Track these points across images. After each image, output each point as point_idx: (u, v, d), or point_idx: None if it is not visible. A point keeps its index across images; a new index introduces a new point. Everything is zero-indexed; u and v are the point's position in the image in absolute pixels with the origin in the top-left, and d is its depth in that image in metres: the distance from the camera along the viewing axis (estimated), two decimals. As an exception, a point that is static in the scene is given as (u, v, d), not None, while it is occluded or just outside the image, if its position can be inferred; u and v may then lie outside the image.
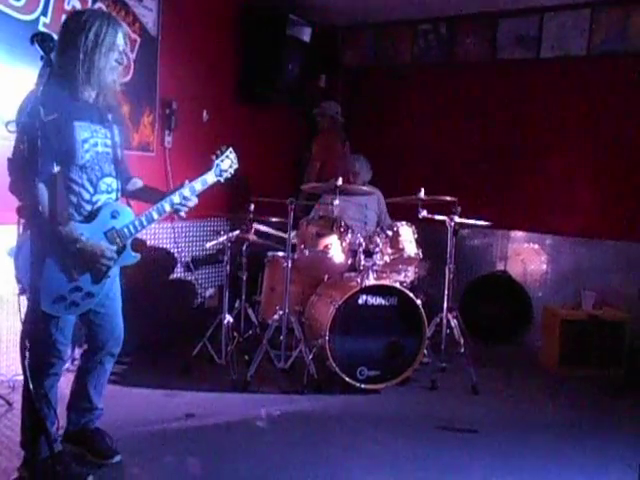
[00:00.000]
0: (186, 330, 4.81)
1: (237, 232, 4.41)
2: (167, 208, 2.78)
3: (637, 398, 4.24)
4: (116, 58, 2.62)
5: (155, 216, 2.75)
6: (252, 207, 4.44)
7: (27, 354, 1.93)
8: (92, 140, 2.62)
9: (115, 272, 2.80)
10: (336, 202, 4.24)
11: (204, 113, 5.20)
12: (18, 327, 3.94)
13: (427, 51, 6.08)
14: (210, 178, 2.90)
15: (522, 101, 5.63)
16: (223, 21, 5.36)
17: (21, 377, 3.71)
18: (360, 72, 6.46)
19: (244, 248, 4.55)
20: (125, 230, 2.69)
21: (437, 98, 6.04)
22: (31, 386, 1.89)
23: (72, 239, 2.50)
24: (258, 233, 4.53)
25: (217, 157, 2.93)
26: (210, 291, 5.40)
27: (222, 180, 2.95)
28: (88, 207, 2.63)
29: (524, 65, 5.60)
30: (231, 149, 2.99)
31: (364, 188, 4.70)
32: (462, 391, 4.22)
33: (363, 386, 4.06)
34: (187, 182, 2.83)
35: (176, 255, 5.05)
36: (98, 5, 4.15)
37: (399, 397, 4.09)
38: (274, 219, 4.55)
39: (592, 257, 5.30)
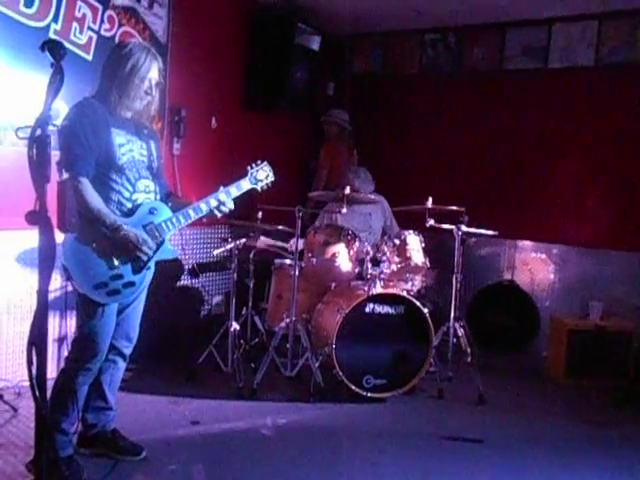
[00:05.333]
0: (192, 337, 4.82)
1: (244, 239, 4.42)
2: (203, 208, 2.93)
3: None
4: (145, 89, 2.80)
5: (192, 214, 2.91)
6: (260, 215, 4.44)
7: (34, 360, 1.93)
8: (128, 146, 2.78)
9: (152, 267, 2.90)
10: (344, 210, 4.23)
11: (213, 120, 5.22)
12: (25, 332, 3.97)
13: (435, 61, 6.09)
14: (245, 184, 3.09)
15: (530, 111, 5.62)
16: (232, 29, 5.38)
17: (27, 382, 3.72)
18: (368, 80, 6.47)
19: (251, 255, 4.56)
20: (163, 225, 2.84)
21: (445, 107, 6.04)
22: (37, 393, 1.88)
23: (116, 226, 2.67)
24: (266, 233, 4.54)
25: (252, 167, 3.13)
26: (217, 298, 5.41)
27: (259, 189, 3.15)
28: (128, 204, 2.78)
29: (532, 75, 5.61)
30: (267, 162, 3.18)
31: (370, 196, 4.69)
32: (469, 400, 4.20)
33: (369, 395, 4.04)
34: (222, 187, 3.00)
35: (183, 262, 5.06)
36: (109, 13, 4.19)
37: (405, 406, 4.08)
38: (281, 227, 4.56)
39: (600, 267, 5.27)
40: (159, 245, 2.84)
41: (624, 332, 4.72)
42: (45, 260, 1.89)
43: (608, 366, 4.67)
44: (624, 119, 5.20)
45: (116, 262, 2.71)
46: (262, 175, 3.15)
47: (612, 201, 5.26)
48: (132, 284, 2.79)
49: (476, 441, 3.55)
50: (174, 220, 2.87)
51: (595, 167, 5.34)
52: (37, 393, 1.81)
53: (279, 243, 4.67)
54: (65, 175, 2.57)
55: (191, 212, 2.90)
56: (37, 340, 1.89)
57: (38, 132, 1.84)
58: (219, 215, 3.00)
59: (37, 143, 1.83)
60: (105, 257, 2.69)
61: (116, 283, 2.73)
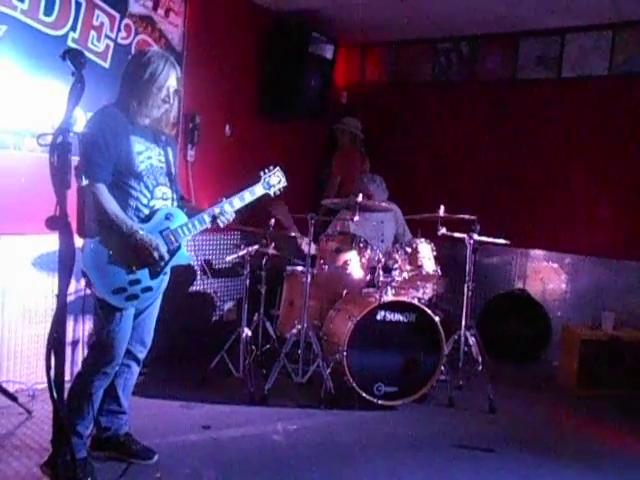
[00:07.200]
0: (204, 342, 4.84)
1: (257, 246, 4.45)
2: (217, 212, 2.99)
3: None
4: (163, 97, 2.84)
5: (207, 219, 2.98)
6: (272, 221, 4.47)
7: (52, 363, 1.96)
8: (146, 153, 2.83)
9: (168, 272, 2.95)
10: (356, 218, 4.25)
11: (227, 128, 5.27)
12: (40, 335, 4.00)
13: (448, 69, 6.11)
14: (258, 189, 3.15)
15: (543, 120, 5.63)
16: (247, 37, 5.43)
17: (41, 385, 3.76)
18: (381, 89, 6.50)
19: (264, 262, 4.58)
20: (179, 230, 2.89)
21: (457, 116, 6.06)
22: (55, 395, 1.91)
23: (132, 231, 2.72)
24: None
25: (265, 173, 3.18)
26: (229, 304, 5.44)
27: (271, 194, 3.21)
28: (146, 211, 2.84)
29: (545, 85, 5.61)
30: (279, 168, 3.23)
31: (382, 204, 4.71)
32: (479, 409, 4.19)
33: (380, 402, 4.05)
34: (235, 195, 3.06)
35: (196, 268, 5.09)
36: (126, 22, 4.24)
37: (416, 414, 4.08)
38: (293, 234, 4.59)
39: (612, 277, 5.26)
40: (175, 250, 2.88)
41: (637, 342, 4.70)
42: (64, 265, 1.92)
43: (620, 377, 4.65)
44: (638, 129, 5.20)
45: (134, 267, 2.76)
46: (275, 180, 3.20)
47: (625, 211, 5.25)
48: (150, 289, 2.84)
49: (487, 450, 3.54)
50: (189, 225, 2.92)
51: (608, 177, 5.33)
52: (55, 396, 1.84)
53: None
54: (85, 181, 2.61)
55: (206, 217, 2.96)
56: (56, 343, 1.92)
57: (59, 139, 1.88)
58: (230, 220, 3.03)
59: (58, 150, 1.87)
60: (123, 262, 2.74)
61: (134, 288, 2.78)
